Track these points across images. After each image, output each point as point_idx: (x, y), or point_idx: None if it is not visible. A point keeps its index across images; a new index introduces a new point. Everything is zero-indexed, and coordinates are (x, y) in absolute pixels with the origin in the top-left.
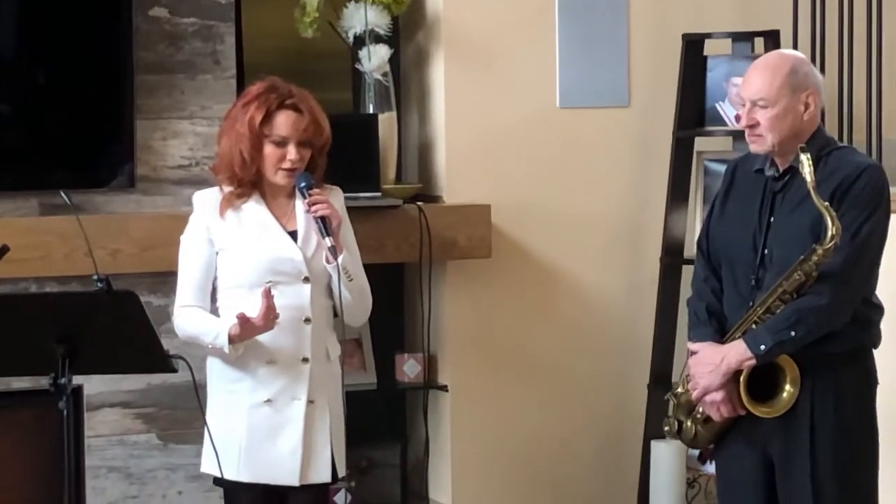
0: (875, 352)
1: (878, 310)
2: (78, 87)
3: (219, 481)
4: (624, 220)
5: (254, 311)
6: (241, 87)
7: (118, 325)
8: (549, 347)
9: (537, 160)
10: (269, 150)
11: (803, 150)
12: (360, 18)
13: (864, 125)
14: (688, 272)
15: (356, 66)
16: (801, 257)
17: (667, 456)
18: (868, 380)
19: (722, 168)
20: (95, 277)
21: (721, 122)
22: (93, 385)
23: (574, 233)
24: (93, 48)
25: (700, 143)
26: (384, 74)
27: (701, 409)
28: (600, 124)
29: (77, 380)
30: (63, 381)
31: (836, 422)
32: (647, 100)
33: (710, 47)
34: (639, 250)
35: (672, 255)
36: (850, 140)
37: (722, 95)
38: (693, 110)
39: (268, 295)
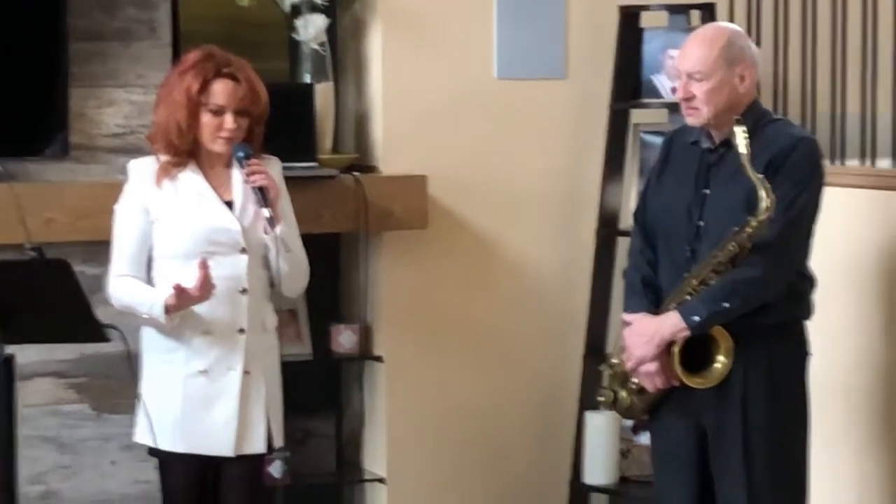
0: (807, 323)
1: (811, 282)
2: (11, 55)
3: (153, 451)
4: (560, 191)
5: (190, 281)
6: (176, 55)
7: (51, 294)
8: (485, 318)
9: (474, 131)
10: (206, 119)
11: (738, 123)
12: None
13: (799, 98)
14: (623, 244)
15: (293, 35)
16: (736, 229)
17: (601, 426)
18: (800, 351)
19: (658, 140)
20: (28, 246)
21: (657, 94)
22: (25, 354)
23: (510, 204)
24: (26, 15)
25: (636, 116)
26: (321, 44)
27: (635, 380)
28: (537, 96)
29: (9, 349)
30: None
31: (768, 393)
32: (583, 71)
33: (646, 19)
34: (575, 222)
35: (608, 226)
36: (786, 113)
37: (658, 68)
38: (629, 82)
39: (204, 266)
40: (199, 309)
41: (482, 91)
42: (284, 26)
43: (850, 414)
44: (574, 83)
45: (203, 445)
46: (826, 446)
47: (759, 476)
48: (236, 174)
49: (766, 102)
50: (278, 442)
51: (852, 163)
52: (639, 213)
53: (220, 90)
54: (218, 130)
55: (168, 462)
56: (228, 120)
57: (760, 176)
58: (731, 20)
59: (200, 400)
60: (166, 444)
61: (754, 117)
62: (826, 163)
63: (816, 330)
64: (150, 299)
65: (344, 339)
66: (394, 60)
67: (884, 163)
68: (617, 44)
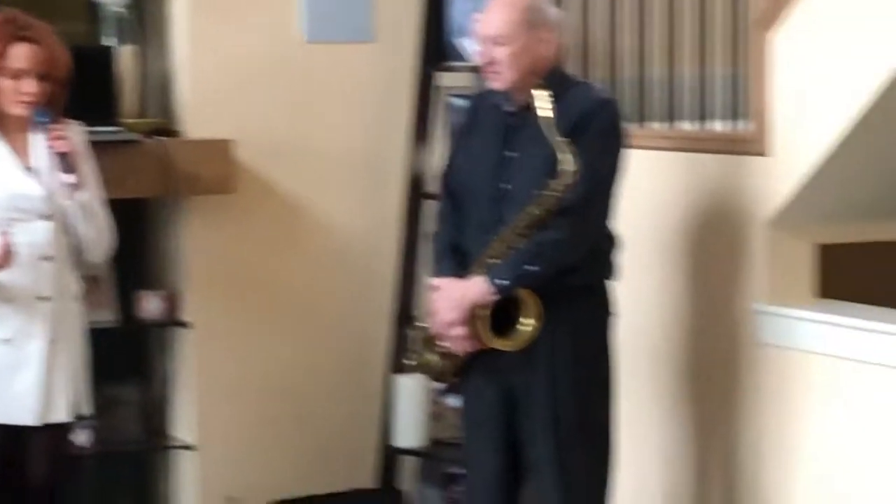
0: (612, 284)
1: (615, 243)
2: None
3: None
4: (369, 155)
5: None
6: None
7: None
8: (295, 283)
9: (283, 95)
10: (5, 83)
11: (541, 87)
12: None
13: (603, 62)
14: (432, 207)
15: None
16: (540, 192)
17: (410, 390)
18: (605, 311)
19: (464, 104)
20: None
21: (463, 57)
22: None
23: (319, 168)
24: None
25: (443, 79)
26: (125, 6)
27: (445, 344)
28: (346, 59)
29: None
30: None
31: (575, 354)
32: (391, 35)
33: None
34: (383, 185)
35: (415, 189)
36: (591, 77)
37: (464, 31)
38: (436, 46)
39: (5, 234)
40: (1, 277)
41: (290, 54)
42: None
43: (656, 373)
44: (382, 47)
45: (6, 415)
46: (633, 405)
47: (567, 436)
48: (38, 139)
49: (572, 67)
50: (84, 410)
51: (656, 125)
52: (445, 177)
53: (21, 54)
54: (18, 94)
55: None
56: (29, 84)
57: (564, 140)
58: None
59: (3, 369)
60: None
61: (557, 81)
62: (630, 125)
63: (624, 291)
64: None
65: (151, 305)
66: (200, 23)
67: (687, 125)
68: (424, 7)
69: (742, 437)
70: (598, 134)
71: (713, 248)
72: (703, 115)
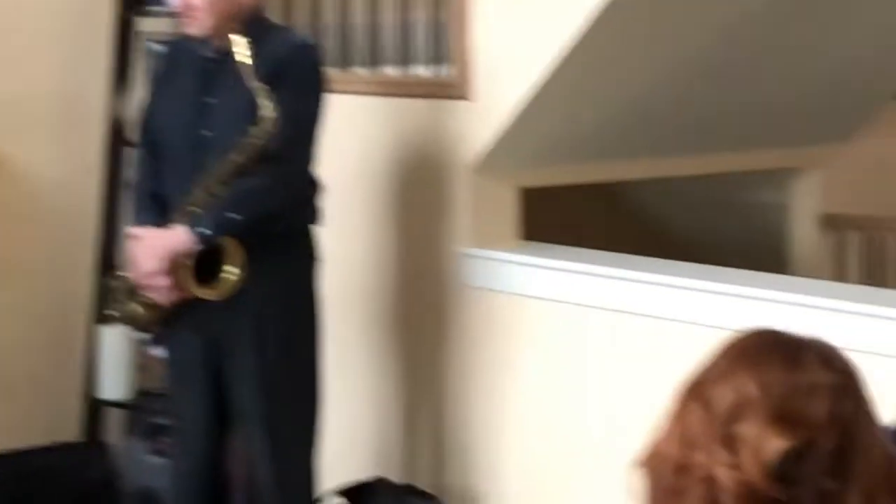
0: (317, 229)
1: (318, 188)
2: None
3: None
4: (66, 103)
5: None
6: None
7: None
8: None
9: None
10: None
11: (239, 32)
12: None
13: (305, 7)
14: (133, 155)
15: None
16: (241, 140)
17: (114, 341)
18: (310, 257)
19: (162, 50)
20: None
21: (162, 2)
22: None
23: (13, 115)
24: None
25: (142, 24)
26: None
27: (148, 294)
28: (34, 2)
29: None
30: None
31: (280, 301)
32: None
33: None
34: (82, 133)
35: (116, 137)
36: (294, 23)
37: None
38: None
39: None
40: None
41: None
42: None
43: (365, 319)
44: None
45: None
46: (342, 351)
47: (274, 384)
48: None
49: (274, 13)
50: None
51: (359, 70)
52: (144, 124)
53: None
54: None
55: None
56: None
57: (262, 86)
58: None
59: None
60: None
61: (256, 26)
62: (333, 70)
63: (329, 236)
64: None
65: None
66: None
67: (390, 70)
68: None
69: (450, 379)
70: (298, 79)
71: (418, 193)
72: (406, 60)
